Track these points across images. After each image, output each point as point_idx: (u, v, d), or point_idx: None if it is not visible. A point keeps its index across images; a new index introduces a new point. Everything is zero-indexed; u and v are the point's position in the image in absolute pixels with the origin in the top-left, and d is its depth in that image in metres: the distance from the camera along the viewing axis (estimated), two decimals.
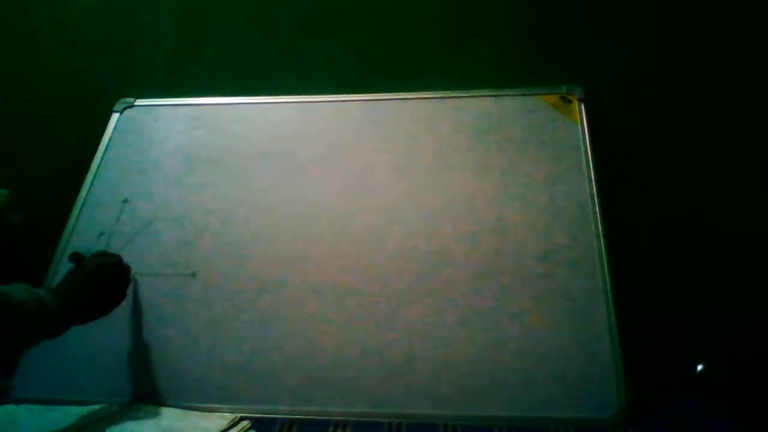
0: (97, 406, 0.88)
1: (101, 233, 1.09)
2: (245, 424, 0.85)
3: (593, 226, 1.00)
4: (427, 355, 0.92)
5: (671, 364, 0.98)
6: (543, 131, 1.12)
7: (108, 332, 0.98)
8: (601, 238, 0.99)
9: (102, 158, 1.19)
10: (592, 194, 1.03)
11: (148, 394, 0.92)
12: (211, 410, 0.89)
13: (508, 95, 1.17)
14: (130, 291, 0.96)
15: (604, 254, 0.97)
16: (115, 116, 1.25)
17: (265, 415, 0.88)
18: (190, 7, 1.36)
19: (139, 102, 1.27)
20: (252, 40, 1.34)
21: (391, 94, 1.21)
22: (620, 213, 1.04)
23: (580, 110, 1.13)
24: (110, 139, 1.22)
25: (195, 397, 0.91)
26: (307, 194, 1.10)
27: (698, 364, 0.95)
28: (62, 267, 1.06)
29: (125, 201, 1.13)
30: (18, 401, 0.91)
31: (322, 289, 0.99)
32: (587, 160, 1.07)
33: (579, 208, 1.03)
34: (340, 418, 0.87)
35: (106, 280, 0.87)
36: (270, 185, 1.12)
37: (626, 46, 1.23)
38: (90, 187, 1.15)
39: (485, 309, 0.95)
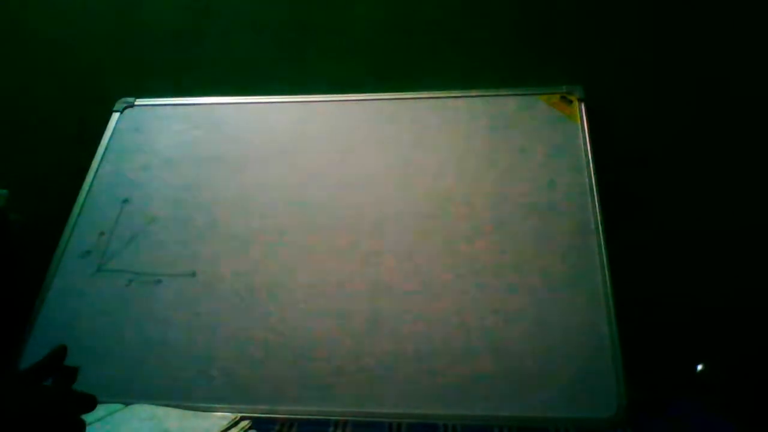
0: (97, 406, 0.87)
1: (101, 233, 1.09)
2: (245, 424, 0.85)
3: (593, 226, 1.00)
4: (427, 355, 0.92)
5: (671, 364, 0.98)
6: (543, 131, 1.12)
7: (107, 333, 0.98)
8: (601, 237, 0.99)
9: (102, 158, 1.19)
10: (592, 194, 1.03)
11: (148, 394, 0.92)
12: (211, 410, 0.89)
13: (508, 95, 1.17)
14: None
15: (604, 254, 0.97)
16: (115, 116, 1.25)
17: (265, 415, 0.88)
18: (190, 7, 1.36)
19: (139, 102, 1.27)
20: (252, 40, 1.34)
21: (391, 94, 1.21)
22: (620, 212, 1.04)
23: (580, 110, 1.13)
24: (110, 139, 1.22)
25: (195, 397, 0.91)
26: (307, 194, 1.10)
27: (698, 364, 0.95)
28: (62, 267, 1.06)
29: (125, 201, 1.13)
30: None
31: (322, 289, 0.99)
32: (587, 160, 1.07)
33: (579, 208, 1.03)
34: (340, 418, 0.86)
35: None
36: (270, 185, 1.12)
37: (626, 46, 1.23)
38: (90, 187, 1.15)
39: (485, 309, 0.95)
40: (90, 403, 0.66)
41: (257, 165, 1.14)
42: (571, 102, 1.15)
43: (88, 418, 0.83)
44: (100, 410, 0.86)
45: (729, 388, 0.93)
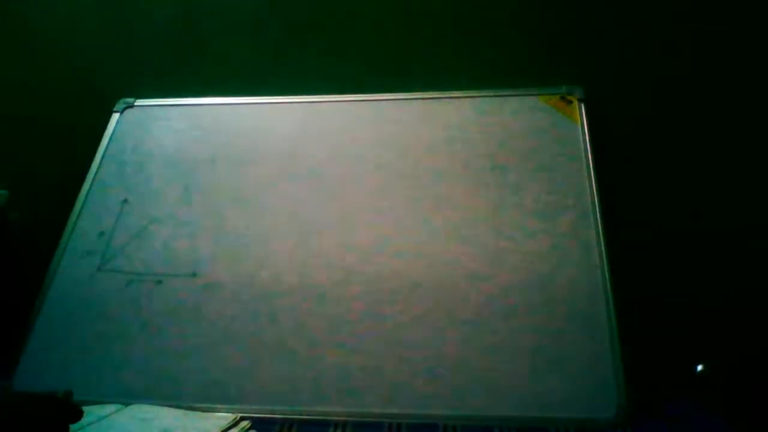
0: (97, 406, 0.87)
1: (101, 233, 1.09)
2: (245, 424, 0.85)
3: (593, 226, 1.00)
4: (427, 356, 0.92)
5: (671, 364, 0.98)
6: (543, 131, 1.12)
7: (108, 333, 0.98)
8: (601, 237, 0.99)
9: (102, 158, 1.19)
10: (592, 194, 1.03)
11: (148, 394, 0.92)
12: (211, 410, 0.89)
13: (508, 95, 1.17)
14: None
15: (604, 254, 0.97)
16: (115, 116, 1.26)
17: (265, 415, 0.88)
18: (190, 8, 1.36)
19: (139, 102, 1.27)
20: (252, 40, 1.34)
21: (391, 95, 1.21)
22: (620, 213, 1.04)
23: (580, 110, 1.13)
24: (110, 139, 1.22)
25: (195, 397, 0.91)
26: (307, 194, 1.10)
27: (698, 364, 0.95)
28: (62, 267, 1.07)
29: (125, 201, 1.13)
30: None
31: (321, 289, 0.99)
32: (587, 160, 1.07)
33: (579, 208, 1.03)
34: (340, 418, 0.87)
35: None
36: (269, 185, 1.12)
37: (626, 46, 1.23)
38: (90, 187, 1.15)
39: (485, 309, 0.95)
40: (76, 416, 0.69)
41: (257, 165, 1.14)
42: (570, 102, 1.15)
43: (88, 417, 0.84)
44: (100, 410, 0.87)
45: (729, 388, 0.93)
